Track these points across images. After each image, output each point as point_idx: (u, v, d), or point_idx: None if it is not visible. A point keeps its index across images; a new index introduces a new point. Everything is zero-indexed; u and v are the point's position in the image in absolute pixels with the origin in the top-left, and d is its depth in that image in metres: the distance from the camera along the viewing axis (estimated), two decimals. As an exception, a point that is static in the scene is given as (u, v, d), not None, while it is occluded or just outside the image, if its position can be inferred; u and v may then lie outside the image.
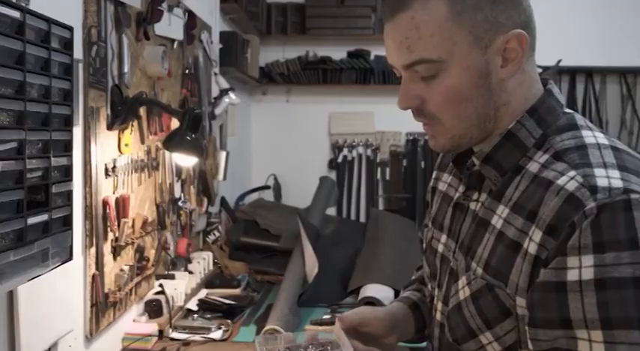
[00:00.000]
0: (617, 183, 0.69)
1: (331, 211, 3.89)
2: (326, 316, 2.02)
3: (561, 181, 0.71)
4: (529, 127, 0.80)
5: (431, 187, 1.03)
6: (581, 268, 0.67)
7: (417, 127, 3.05)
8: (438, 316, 0.90)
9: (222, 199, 2.97)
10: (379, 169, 4.02)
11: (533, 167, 0.77)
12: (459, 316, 0.82)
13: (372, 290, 2.08)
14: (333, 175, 4.04)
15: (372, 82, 3.90)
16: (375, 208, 3.78)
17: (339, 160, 4.01)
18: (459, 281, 0.82)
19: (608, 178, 0.70)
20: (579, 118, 0.81)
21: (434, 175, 1.04)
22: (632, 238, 0.65)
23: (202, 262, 2.32)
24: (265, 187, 3.54)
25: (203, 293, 2.18)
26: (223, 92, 2.72)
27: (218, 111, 2.69)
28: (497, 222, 0.78)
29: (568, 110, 0.83)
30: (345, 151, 4.02)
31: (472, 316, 0.79)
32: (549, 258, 0.70)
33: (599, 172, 0.70)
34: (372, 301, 2.05)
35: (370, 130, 4.01)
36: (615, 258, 0.65)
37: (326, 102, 4.02)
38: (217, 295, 2.15)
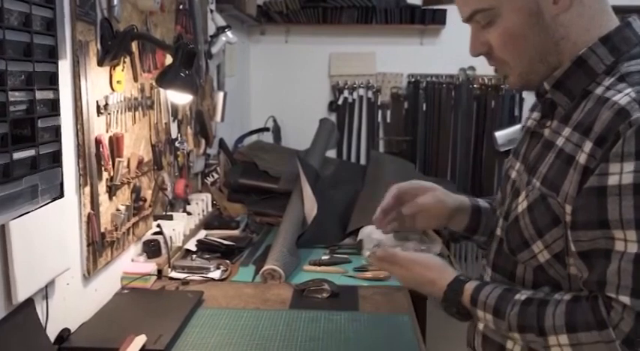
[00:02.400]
0: None
1: (331, 153, 3.85)
2: (325, 257, 2.02)
3: (617, 97, 0.77)
4: (600, 54, 0.83)
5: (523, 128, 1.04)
6: (622, 173, 0.73)
7: (419, 68, 3.04)
8: (498, 231, 0.96)
9: (221, 141, 2.93)
10: (380, 112, 3.95)
11: (599, 90, 0.82)
12: (516, 227, 0.87)
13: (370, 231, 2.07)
14: (333, 118, 3.98)
15: (373, 22, 3.78)
16: (375, 150, 3.75)
17: (340, 102, 3.94)
18: (519, 196, 0.89)
19: None
20: None
21: (527, 115, 1.06)
22: None
23: (201, 204, 2.30)
24: (264, 129, 3.49)
25: (202, 234, 2.18)
26: (220, 30, 2.63)
27: (215, 50, 2.61)
28: (560, 141, 0.84)
29: None
30: (346, 93, 3.94)
31: (526, 226, 0.86)
32: (596, 166, 0.75)
33: None
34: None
35: (371, 71, 3.92)
36: None
37: (326, 42, 3.91)
38: (216, 236, 2.15)
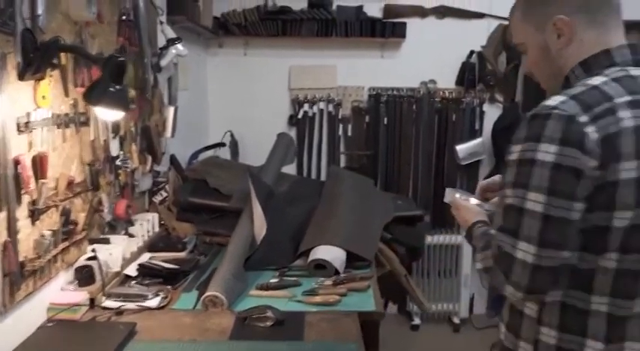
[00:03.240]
0: (552, 103, 1.01)
1: (291, 168, 3.77)
2: (274, 280, 1.93)
3: None
4: (577, 72, 1.10)
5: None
6: (513, 152, 1.04)
7: (380, 81, 3.01)
8: None
9: (172, 157, 2.82)
10: (341, 126, 3.88)
11: None
12: None
13: (322, 252, 1.99)
14: (293, 132, 3.90)
15: (333, 35, 3.72)
16: (334, 165, 3.67)
17: (300, 116, 3.86)
18: None
19: (553, 100, 1.02)
20: (615, 70, 1.06)
21: None
22: (535, 135, 1.00)
23: (146, 224, 2.19)
24: (220, 145, 3.38)
25: (146, 257, 2.06)
26: (170, 42, 2.53)
27: (164, 63, 2.50)
28: None
29: (622, 66, 1.07)
30: (306, 106, 3.86)
31: None
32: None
33: (557, 97, 1.03)
34: (321, 264, 1.96)
35: (332, 84, 3.85)
36: (528, 146, 1.01)
37: (286, 55, 3.83)
38: (161, 259, 2.04)
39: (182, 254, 2.13)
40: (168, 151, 2.78)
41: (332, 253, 1.98)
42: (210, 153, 3.38)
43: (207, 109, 3.86)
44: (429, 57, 3.79)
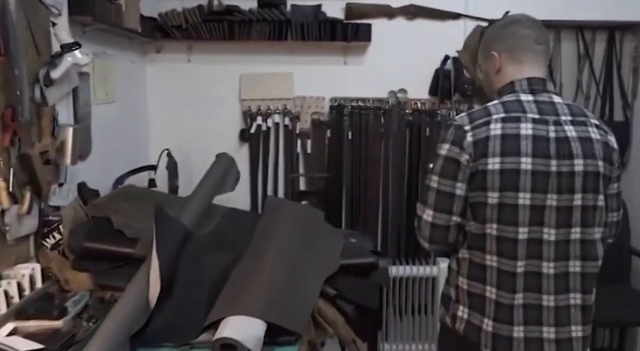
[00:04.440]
0: (457, 117, 1.47)
1: (243, 193, 3.30)
2: (166, 366, 1.45)
3: None
4: (494, 97, 1.52)
5: None
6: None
7: (343, 91, 2.78)
8: None
9: (80, 187, 2.34)
10: (299, 141, 3.41)
11: None
12: None
13: (234, 327, 1.51)
14: (245, 149, 3.43)
15: (289, 38, 3.26)
16: (271, 196, 3.20)
17: (252, 130, 3.39)
18: None
19: (458, 116, 1.48)
20: (509, 96, 1.48)
21: None
22: (442, 138, 1.45)
23: (14, 283, 1.70)
24: (148, 168, 2.90)
25: (8, 329, 1.58)
26: (64, 49, 2.05)
27: (56, 74, 2.02)
28: None
29: (518, 93, 1.49)
30: (259, 119, 3.39)
31: None
32: None
33: (461, 114, 1.49)
34: (230, 344, 1.48)
35: (288, 95, 3.39)
36: (438, 146, 1.46)
37: (236, 61, 3.36)
38: (26, 331, 1.56)
39: (58, 323, 1.64)
40: (74, 179, 2.30)
41: (246, 329, 1.50)
42: (142, 177, 2.90)
43: (145, 125, 3.38)
44: (399, 63, 3.33)
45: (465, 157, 1.39)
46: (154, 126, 3.41)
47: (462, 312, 1.47)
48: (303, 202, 3.06)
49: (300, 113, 3.39)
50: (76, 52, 2.07)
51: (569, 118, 1.43)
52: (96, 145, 2.55)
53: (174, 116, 3.39)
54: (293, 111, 3.39)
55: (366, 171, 3.37)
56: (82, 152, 2.38)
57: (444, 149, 1.42)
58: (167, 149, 3.06)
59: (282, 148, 3.43)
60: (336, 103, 3.37)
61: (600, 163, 1.41)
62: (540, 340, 1.40)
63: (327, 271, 1.88)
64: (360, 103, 3.36)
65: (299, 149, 3.42)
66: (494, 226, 1.38)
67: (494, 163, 1.36)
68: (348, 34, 3.24)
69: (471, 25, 3.28)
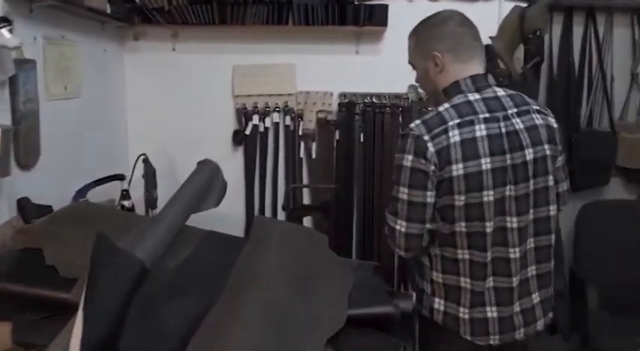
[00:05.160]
0: (412, 126, 1.47)
1: (237, 206, 2.80)
2: None
3: None
4: (441, 98, 1.54)
5: None
6: (396, 160, 1.49)
7: (354, 85, 1.86)
8: None
9: (22, 204, 1.86)
10: (302, 144, 2.91)
11: None
12: None
13: None
14: (239, 153, 2.94)
15: (290, 22, 2.76)
16: (260, 216, 2.70)
17: (248, 131, 2.89)
18: None
19: (413, 123, 1.48)
20: (458, 98, 1.51)
21: None
22: (402, 148, 1.46)
23: None
24: (115, 178, 2.40)
25: None
26: (-13, 27, 1.57)
27: (-25, 59, 1.54)
28: None
29: (465, 93, 1.53)
30: (256, 119, 2.89)
31: None
32: None
33: (415, 121, 1.49)
34: None
35: (290, 90, 2.89)
36: (398, 156, 1.48)
37: (228, 51, 2.87)
38: None
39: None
40: (13, 194, 1.82)
41: None
42: (114, 188, 2.41)
43: (122, 125, 2.90)
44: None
45: (431, 168, 1.44)
46: (133, 127, 2.92)
47: (439, 304, 1.53)
48: (305, 220, 2.56)
49: (304, 111, 2.89)
50: (3, 31, 1.58)
51: (515, 110, 1.51)
52: (50, 150, 2.07)
53: (157, 115, 2.91)
54: (295, 109, 2.89)
55: (382, 181, 2.84)
56: (25, 160, 1.91)
57: (408, 161, 1.45)
58: (144, 154, 2.57)
59: (283, 152, 2.93)
60: (346, 100, 2.86)
61: (546, 146, 1.52)
62: (511, 316, 1.51)
63: (330, 327, 1.37)
64: (374, 100, 2.85)
65: (302, 154, 2.92)
66: (463, 224, 1.46)
67: (458, 169, 1.43)
68: (361, 17, 2.73)
69: (508, 6, 2.77)
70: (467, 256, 1.48)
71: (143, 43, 2.87)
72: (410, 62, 1.63)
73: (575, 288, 2.78)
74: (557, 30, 2.93)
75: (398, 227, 1.46)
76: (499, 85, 2.63)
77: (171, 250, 1.67)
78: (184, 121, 2.91)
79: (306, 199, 2.90)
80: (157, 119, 2.90)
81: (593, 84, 2.96)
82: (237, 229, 2.87)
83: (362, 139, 2.86)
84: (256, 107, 2.89)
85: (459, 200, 1.44)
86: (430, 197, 1.45)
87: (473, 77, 1.52)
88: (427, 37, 1.56)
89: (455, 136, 1.43)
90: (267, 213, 2.92)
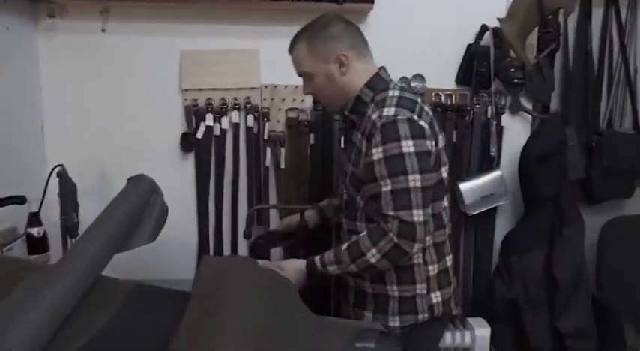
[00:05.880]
0: (390, 114, 1.44)
1: (189, 233, 2.21)
2: None
3: (373, 116, 1.47)
4: (365, 92, 1.55)
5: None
6: (376, 154, 1.43)
7: None
8: (345, 196, 1.65)
9: None
10: (269, 151, 2.33)
11: (369, 112, 1.51)
12: (350, 189, 1.58)
13: None
14: (189, 162, 2.34)
15: (252, -2, 2.18)
16: (209, 256, 2.10)
17: (200, 135, 2.30)
18: (347, 176, 1.62)
19: (386, 112, 1.45)
20: (393, 85, 1.56)
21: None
22: (397, 136, 1.41)
23: None
24: (13, 201, 1.75)
25: None
26: None
27: None
28: (356, 141, 1.55)
29: (394, 81, 1.61)
30: (210, 119, 2.30)
31: (354, 190, 1.56)
32: (367, 152, 1.46)
33: (386, 110, 1.45)
34: None
35: (252, 82, 2.31)
36: (390, 146, 1.41)
37: (173, 32, 2.27)
38: None
39: None
40: None
41: None
42: (19, 213, 1.77)
43: (36, 127, 2.25)
44: (414, 37, 2.30)
45: (432, 144, 1.46)
46: (51, 129, 2.28)
47: (436, 297, 1.55)
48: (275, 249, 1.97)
49: (270, 109, 2.31)
50: None
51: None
52: None
53: (81, 115, 2.28)
54: (260, 106, 2.31)
55: (367, 194, 2.30)
56: None
57: (408, 147, 1.42)
58: (60, 165, 1.94)
59: (244, 161, 2.35)
60: (323, 95, 2.30)
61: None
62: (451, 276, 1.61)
63: None
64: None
65: (268, 163, 2.34)
66: (445, 198, 1.56)
67: (440, 141, 1.51)
68: (341, -8, 2.18)
69: (521, -20, 2.27)
70: (448, 231, 1.60)
71: (62, 21, 2.23)
72: (302, 72, 1.59)
73: (602, 322, 2.30)
74: (572, 14, 2.45)
75: (416, 219, 1.42)
76: (505, 79, 2.36)
77: (77, 321, 1.08)
78: (117, 123, 2.28)
79: (275, 221, 2.32)
80: (80, 120, 2.27)
81: (614, 77, 2.51)
82: (186, 267, 2.28)
83: (342, 144, 2.31)
84: (210, 104, 2.29)
85: (445, 172, 1.53)
86: (437, 174, 1.49)
87: (381, 71, 1.59)
88: (322, 39, 1.53)
89: (429, 111, 1.52)
90: (226, 242, 2.33)
